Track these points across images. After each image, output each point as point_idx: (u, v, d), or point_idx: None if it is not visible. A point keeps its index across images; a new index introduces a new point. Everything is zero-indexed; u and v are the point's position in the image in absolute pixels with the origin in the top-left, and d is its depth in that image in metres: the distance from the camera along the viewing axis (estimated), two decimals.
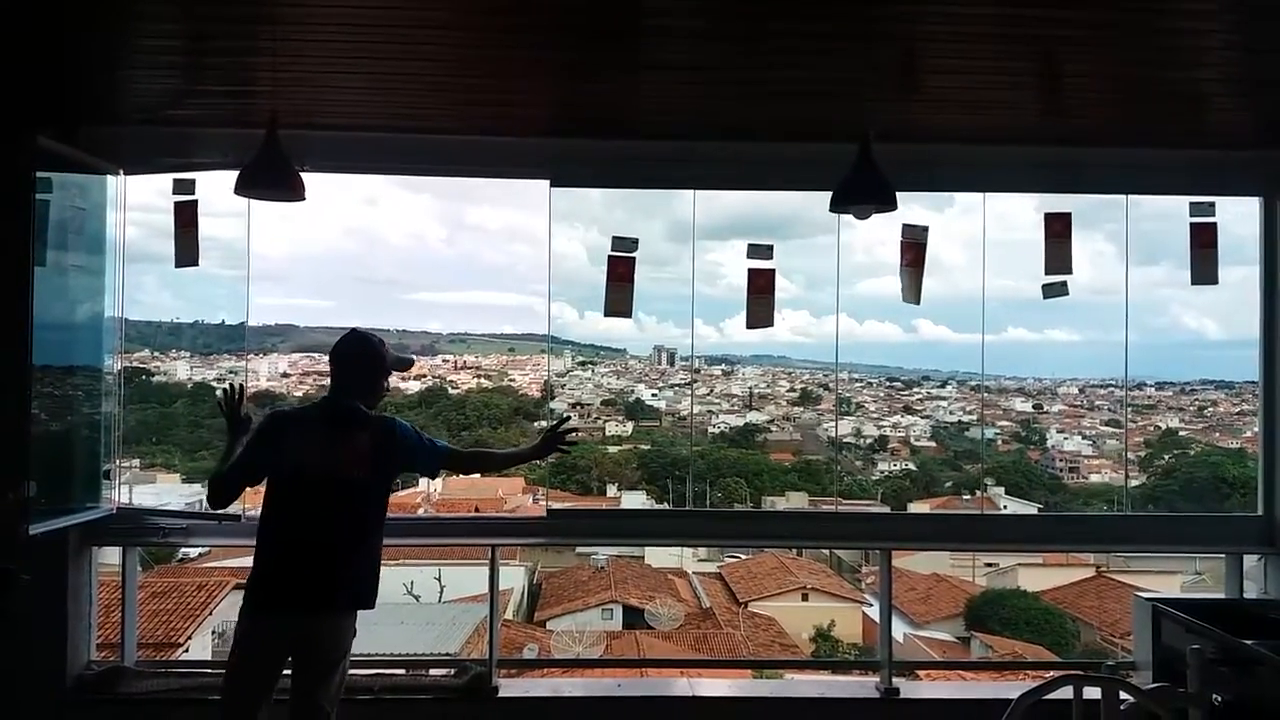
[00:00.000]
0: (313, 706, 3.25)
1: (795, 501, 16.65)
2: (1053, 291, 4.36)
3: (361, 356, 3.49)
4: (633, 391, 20.71)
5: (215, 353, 17.54)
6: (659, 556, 18.06)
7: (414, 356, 3.52)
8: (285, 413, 3.51)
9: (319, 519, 3.26)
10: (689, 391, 21.11)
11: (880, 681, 4.37)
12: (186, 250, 4.19)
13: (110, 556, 4.51)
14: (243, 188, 3.82)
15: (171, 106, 4.02)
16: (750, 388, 21.18)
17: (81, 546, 4.15)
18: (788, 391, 21.08)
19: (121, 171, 4.29)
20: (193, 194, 4.19)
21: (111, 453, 4.29)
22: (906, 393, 20.94)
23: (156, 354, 18.02)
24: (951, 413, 20.11)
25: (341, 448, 3.30)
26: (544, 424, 4.03)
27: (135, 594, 4.49)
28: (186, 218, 4.18)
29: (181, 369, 17.90)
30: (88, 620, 4.21)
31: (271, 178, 3.79)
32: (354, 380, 3.46)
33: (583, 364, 21.27)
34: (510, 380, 20.19)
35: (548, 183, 4.35)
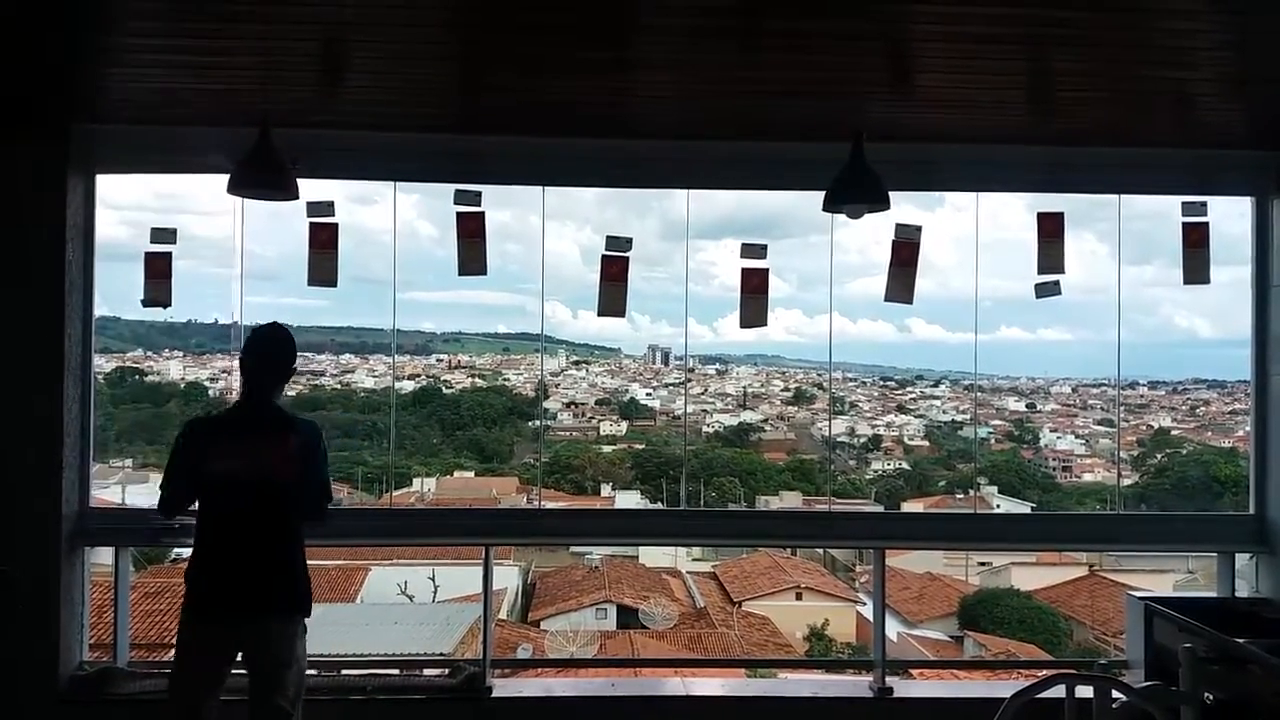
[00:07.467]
0: (272, 708, 3.24)
1: (789, 501, 16.69)
2: (1045, 291, 4.36)
3: (292, 354, 3.45)
4: (627, 391, 20.73)
5: (209, 352, 17.51)
6: (653, 556, 18.04)
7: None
8: (206, 420, 3.47)
9: (253, 525, 3.25)
10: (683, 391, 21.13)
11: (874, 680, 4.37)
12: (321, 270, 4.16)
13: (103, 557, 4.50)
14: (235, 186, 3.80)
15: (161, 105, 3.99)
16: (744, 387, 21.23)
17: (73, 547, 4.14)
18: (781, 391, 21.14)
19: (98, 170, 4.20)
20: (332, 216, 4.14)
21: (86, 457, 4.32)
22: (900, 392, 21.02)
23: (149, 354, 17.98)
24: (945, 412, 20.20)
25: (273, 452, 3.29)
26: (536, 423, 4.03)
27: (128, 594, 4.46)
28: (324, 239, 4.13)
29: (174, 368, 17.86)
30: (80, 620, 4.18)
31: (265, 177, 3.77)
32: (280, 378, 3.43)
33: (577, 363, 21.28)
34: (505, 380, 20.17)
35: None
